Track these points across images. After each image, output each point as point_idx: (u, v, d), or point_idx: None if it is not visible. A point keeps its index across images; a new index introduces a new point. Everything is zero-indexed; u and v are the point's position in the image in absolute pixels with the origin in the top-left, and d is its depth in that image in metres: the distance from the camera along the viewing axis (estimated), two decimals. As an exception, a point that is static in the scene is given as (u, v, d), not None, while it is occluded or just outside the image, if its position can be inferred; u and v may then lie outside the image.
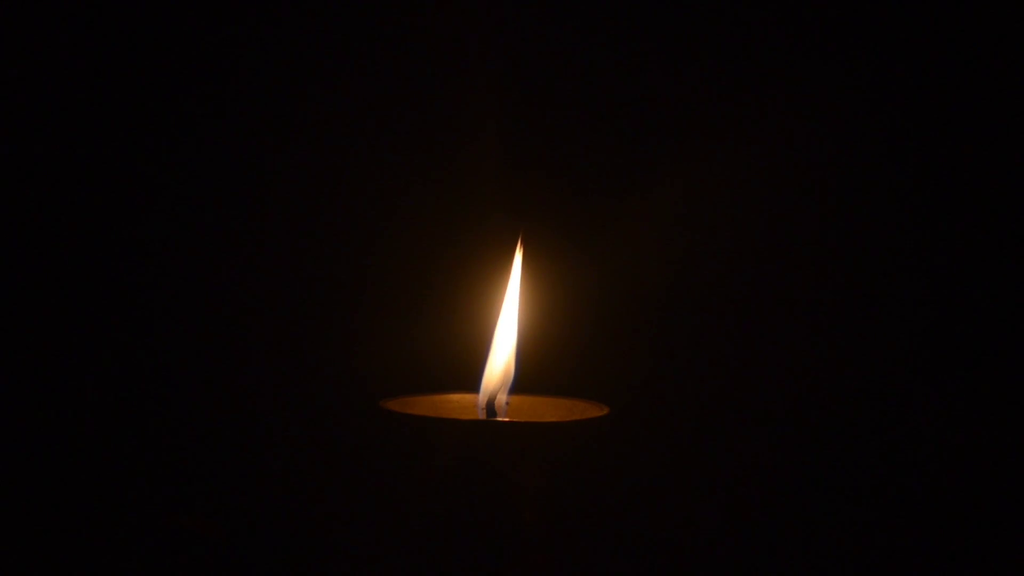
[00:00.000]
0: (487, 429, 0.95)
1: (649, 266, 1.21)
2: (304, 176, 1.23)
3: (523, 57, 1.21)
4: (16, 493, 1.16)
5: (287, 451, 1.20)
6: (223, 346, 1.22)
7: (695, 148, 1.21)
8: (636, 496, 1.16)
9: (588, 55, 1.21)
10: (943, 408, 1.19)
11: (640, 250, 1.21)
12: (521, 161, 1.22)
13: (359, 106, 1.22)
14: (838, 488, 1.19)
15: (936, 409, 1.20)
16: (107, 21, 1.20)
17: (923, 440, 1.19)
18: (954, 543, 1.16)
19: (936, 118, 1.19)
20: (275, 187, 1.22)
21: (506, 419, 1.02)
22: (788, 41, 1.19)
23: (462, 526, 0.94)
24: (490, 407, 1.02)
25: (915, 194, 1.20)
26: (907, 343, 1.20)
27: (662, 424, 1.20)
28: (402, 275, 1.23)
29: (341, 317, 1.23)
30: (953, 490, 1.18)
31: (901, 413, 1.20)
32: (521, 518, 0.94)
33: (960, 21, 1.18)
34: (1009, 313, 1.19)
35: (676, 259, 1.22)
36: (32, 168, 1.20)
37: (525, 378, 1.03)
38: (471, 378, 1.04)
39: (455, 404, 1.04)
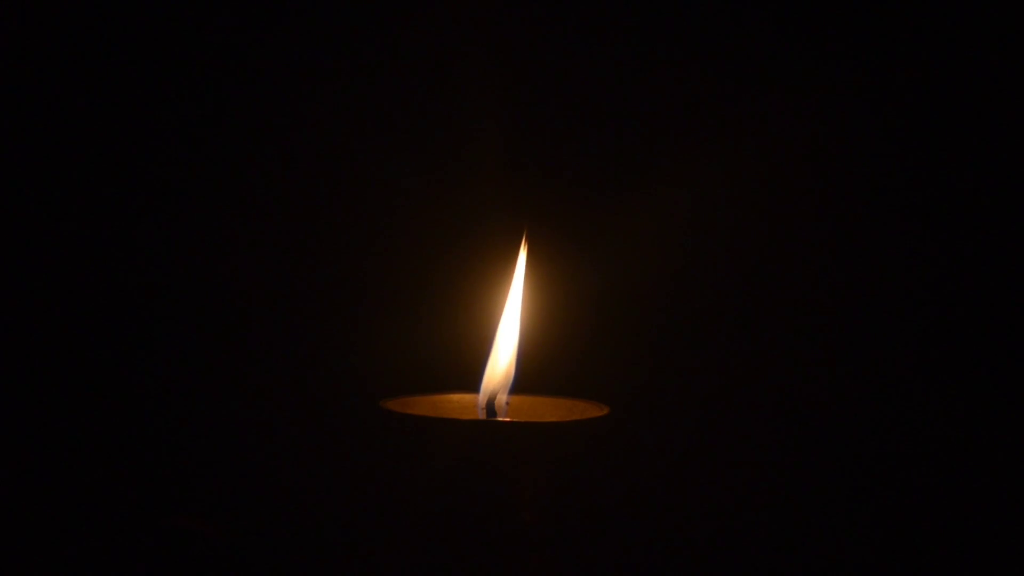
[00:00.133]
0: (487, 429, 0.95)
1: (650, 266, 1.21)
2: (305, 175, 1.23)
3: (526, 57, 1.21)
4: (16, 493, 1.16)
5: (287, 451, 1.20)
6: (223, 346, 1.22)
7: (697, 148, 1.21)
8: (636, 496, 1.16)
9: (591, 55, 1.21)
10: (944, 409, 1.19)
11: (641, 250, 1.21)
12: (522, 161, 1.22)
13: (362, 105, 1.22)
14: (838, 488, 1.19)
15: (937, 410, 1.20)
16: (108, 21, 1.20)
17: (923, 441, 1.19)
18: (954, 543, 1.16)
19: (937, 118, 1.19)
20: (276, 186, 1.22)
21: (506, 419, 1.02)
22: (790, 41, 1.19)
23: (462, 526, 0.94)
24: (490, 407, 1.02)
25: (917, 194, 1.20)
26: (908, 344, 1.20)
27: (662, 424, 1.20)
28: (402, 275, 1.23)
29: (341, 317, 1.23)
30: (953, 491, 1.18)
31: (902, 414, 1.20)
32: (521, 518, 0.94)
33: (960, 22, 1.18)
34: (1009, 313, 1.19)
35: (677, 259, 1.22)
36: (33, 168, 1.20)
37: (525, 378, 1.03)
38: (471, 378, 1.04)
39: (455, 404, 1.04)
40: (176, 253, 1.22)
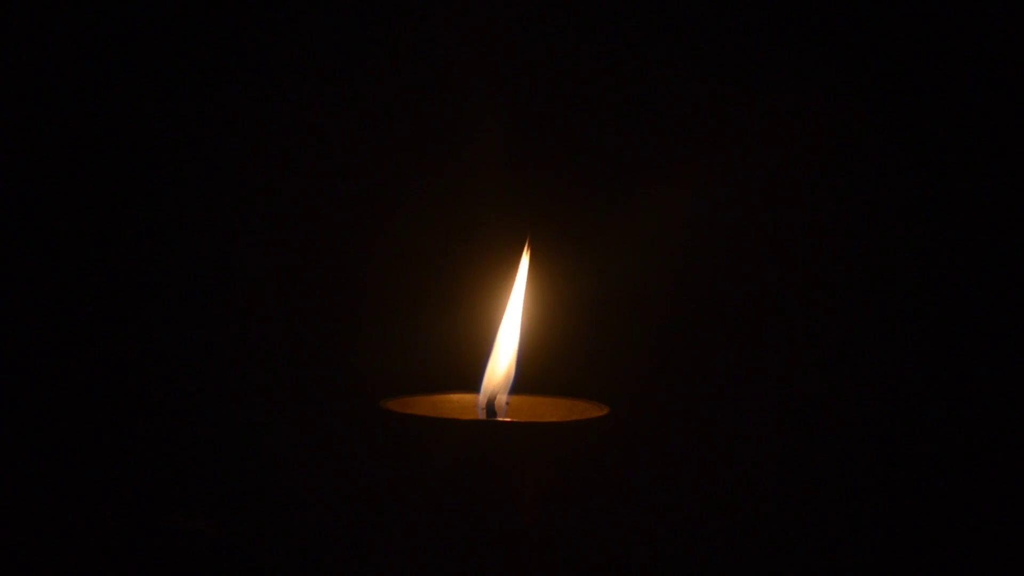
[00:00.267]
0: (487, 429, 0.95)
1: (650, 266, 1.21)
2: (307, 175, 1.23)
3: (528, 59, 1.21)
4: (16, 493, 1.16)
5: (287, 451, 1.20)
6: (224, 346, 1.22)
7: (697, 150, 1.21)
8: (636, 496, 1.16)
9: (592, 57, 1.21)
10: (944, 409, 1.19)
11: (641, 251, 1.21)
12: (523, 162, 1.22)
13: (364, 107, 1.22)
14: (838, 488, 1.19)
15: (937, 410, 1.20)
16: (109, 21, 1.20)
17: (923, 441, 1.19)
18: (954, 543, 1.16)
19: (936, 119, 1.19)
20: (278, 187, 1.22)
21: (506, 419, 1.02)
22: (791, 43, 1.19)
23: (462, 526, 0.93)
24: (490, 407, 1.02)
25: (917, 197, 1.20)
26: (908, 344, 1.20)
27: (662, 424, 1.20)
28: (402, 275, 1.23)
29: (342, 317, 1.23)
30: (953, 491, 1.18)
31: (902, 415, 1.20)
32: (521, 518, 0.94)
33: (960, 22, 1.18)
34: (1009, 313, 1.19)
35: (677, 260, 1.22)
36: (33, 168, 1.20)
37: (525, 378, 1.03)
38: (472, 378, 1.04)
39: (455, 404, 1.04)
40: (177, 253, 1.22)
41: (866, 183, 1.20)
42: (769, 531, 1.17)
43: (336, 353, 1.22)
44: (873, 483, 1.19)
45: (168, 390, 1.21)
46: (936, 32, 1.18)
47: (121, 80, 1.20)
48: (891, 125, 1.19)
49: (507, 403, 1.02)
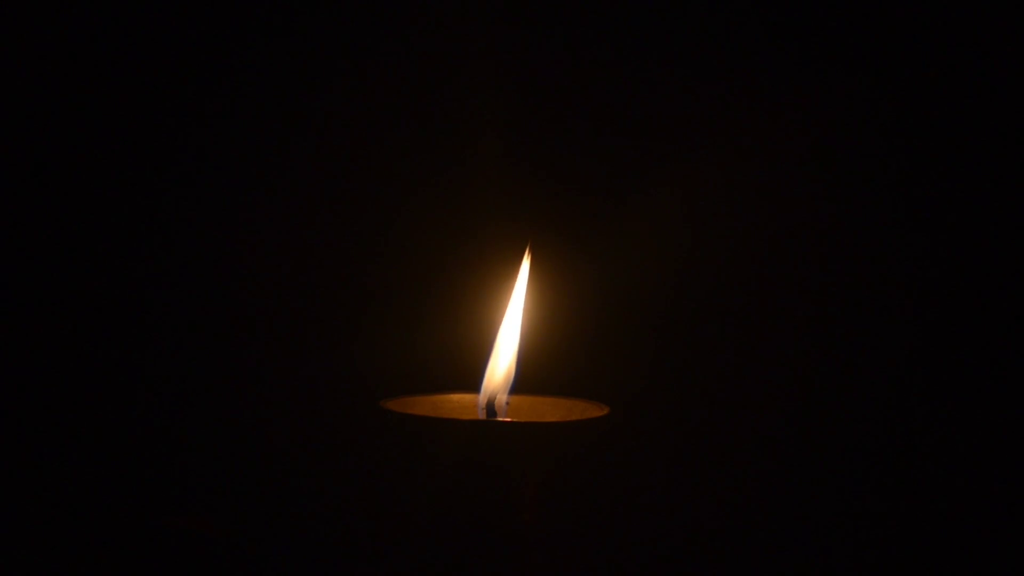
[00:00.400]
0: (487, 429, 0.95)
1: (650, 266, 1.21)
2: (309, 177, 1.23)
3: (528, 62, 1.21)
4: (16, 493, 1.16)
5: (287, 451, 1.20)
6: (224, 346, 1.22)
7: (696, 151, 1.21)
8: (636, 496, 1.16)
9: (593, 61, 1.21)
10: (944, 409, 1.19)
11: (641, 251, 1.21)
12: (524, 164, 1.22)
13: (366, 109, 1.22)
14: (838, 489, 1.19)
15: (937, 410, 1.20)
16: (111, 21, 1.20)
17: (923, 441, 1.19)
18: (954, 543, 1.16)
19: (936, 120, 1.19)
20: (280, 188, 1.22)
21: (506, 419, 1.02)
22: (789, 45, 1.19)
23: (462, 526, 0.94)
24: (490, 407, 1.02)
25: (915, 197, 1.20)
26: (908, 344, 1.20)
27: (662, 424, 1.20)
28: (403, 275, 1.23)
29: (342, 317, 1.23)
30: (953, 491, 1.18)
31: (901, 415, 1.20)
32: (521, 518, 0.94)
33: (959, 23, 1.18)
34: (1009, 313, 1.19)
35: (677, 260, 1.22)
36: (34, 168, 1.20)
37: (525, 378, 1.03)
38: (472, 378, 1.04)
39: (455, 404, 1.04)
40: (178, 253, 1.22)
41: (865, 184, 1.20)
42: (769, 531, 1.17)
43: (336, 353, 1.22)
44: (873, 483, 1.19)
45: (168, 390, 1.21)
46: (936, 32, 1.18)
47: (125, 83, 1.20)
48: (890, 125, 1.19)
49: (507, 403, 1.02)
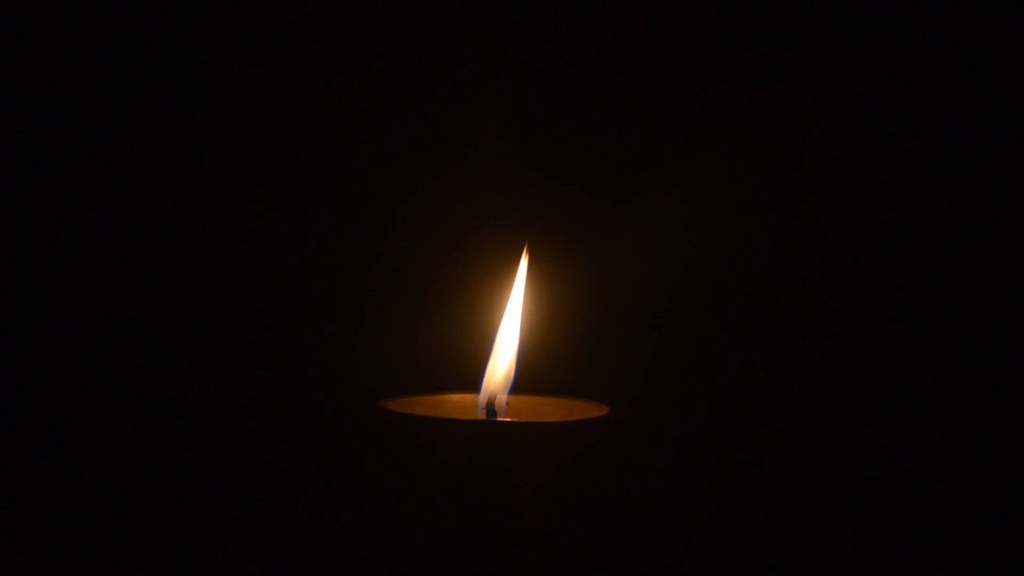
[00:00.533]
0: (487, 429, 0.95)
1: (650, 266, 1.21)
2: (308, 177, 1.23)
3: (527, 62, 1.21)
4: (16, 493, 1.16)
5: (287, 451, 1.20)
6: (224, 346, 1.22)
7: (696, 151, 1.21)
8: (636, 496, 1.16)
9: (592, 60, 1.21)
10: (944, 409, 1.19)
11: (641, 251, 1.21)
12: (524, 163, 1.22)
13: (366, 109, 1.22)
14: (838, 488, 1.19)
15: (937, 410, 1.20)
16: (111, 21, 1.20)
17: (923, 442, 1.19)
18: (954, 543, 1.16)
19: (935, 120, 1.19)
20: (279, 187, 1.22)
21: (506, 419, 1.02)
22: (789, 45, 1.19)
23: (462, 526, 0.94)
24: (490, 407, 1.02)
25: (916, 197, 1.20)
26: (907, 344, 1.20)
27: (662, 424, 1.20)
28: (403, 275, 1.23)
29: (342, 317, 1.23)
30: (953, 491, 1.18)
31: (902, 414, 1.20)
32: (521, 518, 0.94)
33: (959, 24, 1.18)
34: (1009, 316, 1.19)
35: (677, 260, 1.22)
36: (35, 168, 1.20)
37: (525, 378, 1.03)
38: (472, 378, 1.04)
39: (455, 404, 1.04)
40: (178, 253, 1.22)
41: (865, 184, 1.20)
42: (769, 531, 1.17)
43: (336, 353, 1.22)
44: (873, 483, 1.19)
45: (168, 390, 1.21)
46: (935, 32, 1.18)
47: (125, 84, 1.20)
48: (891, 126, 1.19)
49: (507, 403, 1.02)
